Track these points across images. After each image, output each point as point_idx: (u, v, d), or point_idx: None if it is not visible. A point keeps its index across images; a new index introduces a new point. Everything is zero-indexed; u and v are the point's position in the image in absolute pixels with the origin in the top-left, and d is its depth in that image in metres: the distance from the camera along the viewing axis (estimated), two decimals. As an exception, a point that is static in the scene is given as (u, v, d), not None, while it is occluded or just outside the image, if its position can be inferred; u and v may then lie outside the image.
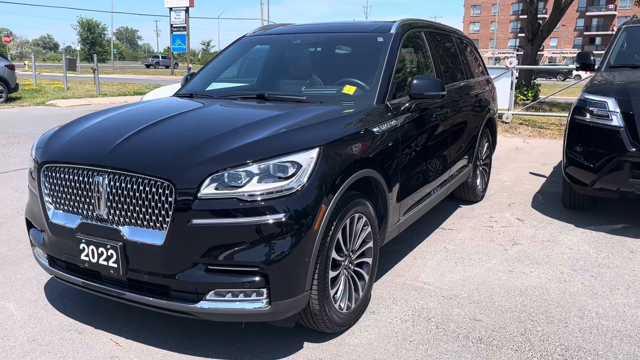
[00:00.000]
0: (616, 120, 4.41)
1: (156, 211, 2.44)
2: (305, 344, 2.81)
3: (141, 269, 2.51)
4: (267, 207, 2.39)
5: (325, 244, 2.60)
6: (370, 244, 3.11)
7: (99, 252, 2.57)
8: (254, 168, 2.43)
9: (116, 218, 2.55)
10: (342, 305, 2.88)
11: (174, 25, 39.71)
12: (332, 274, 2.74)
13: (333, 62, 4.07)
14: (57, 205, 2.78)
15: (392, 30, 3.86)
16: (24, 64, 32.80)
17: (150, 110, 3.29)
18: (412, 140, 3.54)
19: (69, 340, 2.81)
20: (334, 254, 2.72)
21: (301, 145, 2.58)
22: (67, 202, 2.73)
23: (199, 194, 2.37)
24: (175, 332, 2.89)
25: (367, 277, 3.10)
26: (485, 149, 5.62)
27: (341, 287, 2.87)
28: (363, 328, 2.97)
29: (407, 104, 3.49)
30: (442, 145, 4.17)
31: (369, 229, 3.06)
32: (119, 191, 2.52)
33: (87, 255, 2.61)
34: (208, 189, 2.38)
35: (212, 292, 2.44)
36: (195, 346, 2.77)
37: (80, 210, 2.67)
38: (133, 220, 2.51)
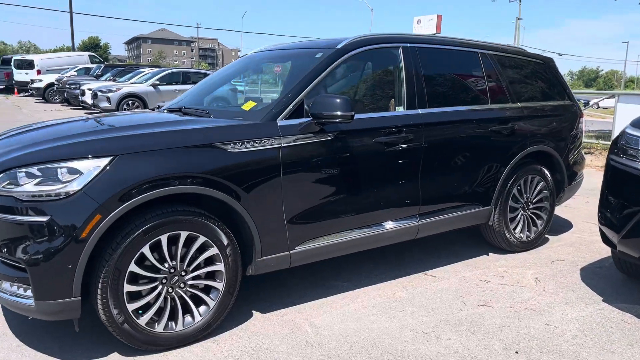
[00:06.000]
0: None
1: None
2: (115, 354, 2.80)
3: None
4: (34, 208, 2.51)
5: (112, 255, 2.58)
6: (220, 267, 2.93)
7: None
8: (34, 170, 2.57)
9: None
10: (157, 325, 2.78)
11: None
12: (133, 288, 2.68)
13: (274, 79, 3.92)
14: None
15: (339, 46, 3.54)
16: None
17: (51, 122, 3.59)
18: (313, 164, 3.19)
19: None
20: (136, 269, 2.67)
21: (92, 152, 2.61)
22: None
23: None
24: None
25: (212, 303, 2.93)
26: (536, 191, 4.61)
27: (156, 306, 2.78)
28: (181, 354, 2.81)
29: (305, 124, 3.16)
30: (394, 176, 3.58)
31: (216, 251, 2.89)
32: None
33: None
34: None
35: (4, 281, 2.64)
36: (25, 331, 2.99)
37: None
38: None
